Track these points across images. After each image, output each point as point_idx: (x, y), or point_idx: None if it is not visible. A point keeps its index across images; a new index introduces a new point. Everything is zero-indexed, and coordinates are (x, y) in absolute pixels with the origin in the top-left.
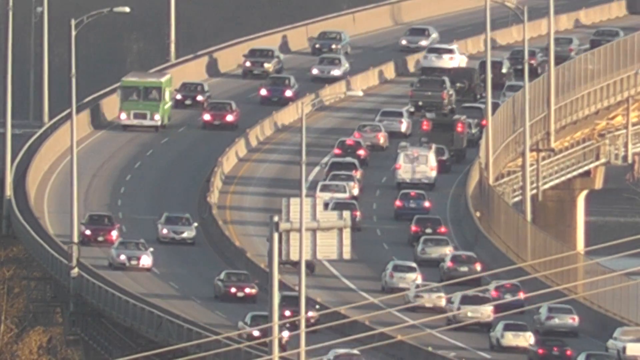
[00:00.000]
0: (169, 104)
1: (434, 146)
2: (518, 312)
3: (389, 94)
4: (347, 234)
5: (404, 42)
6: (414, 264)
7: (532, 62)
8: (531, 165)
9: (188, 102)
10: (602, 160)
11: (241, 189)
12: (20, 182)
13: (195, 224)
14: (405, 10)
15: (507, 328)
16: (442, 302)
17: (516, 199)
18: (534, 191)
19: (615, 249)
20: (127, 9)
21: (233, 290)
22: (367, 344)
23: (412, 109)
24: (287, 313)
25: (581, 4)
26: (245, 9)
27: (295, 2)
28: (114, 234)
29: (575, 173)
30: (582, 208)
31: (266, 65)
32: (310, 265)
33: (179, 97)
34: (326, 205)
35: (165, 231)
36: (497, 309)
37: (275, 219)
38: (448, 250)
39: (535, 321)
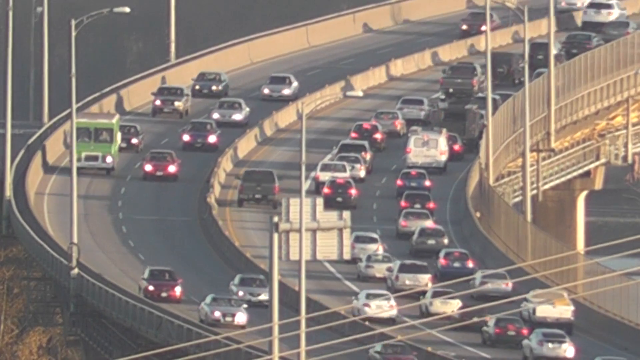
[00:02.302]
0: (117, 146)
1: (444, 130)
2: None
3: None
4: (347, 234)
5: (266, 91)
6: (375, 235)
7: (588, 47)
8: (531, 165)
9: (122, 144)
10: (602, 160)
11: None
12: (20, 182)
13: None
14: (405, 10)
15: (436, 295)
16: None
17: (516, 199)
18: (534, 191)
19: (615, 249)
20: (127, 9)
21: None
22: (367, 343)
23: (442, 96)
24: None
25: None
26: (245, 9)
27: (296, 2)
28: (178, 289)
29: (575, 173)
30: (582, 208)
31: (176, 103)
32: None
33: None
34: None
35: (241, 293)
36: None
37: (275, 219)
38: (428, 224)
39: (470, 287)
